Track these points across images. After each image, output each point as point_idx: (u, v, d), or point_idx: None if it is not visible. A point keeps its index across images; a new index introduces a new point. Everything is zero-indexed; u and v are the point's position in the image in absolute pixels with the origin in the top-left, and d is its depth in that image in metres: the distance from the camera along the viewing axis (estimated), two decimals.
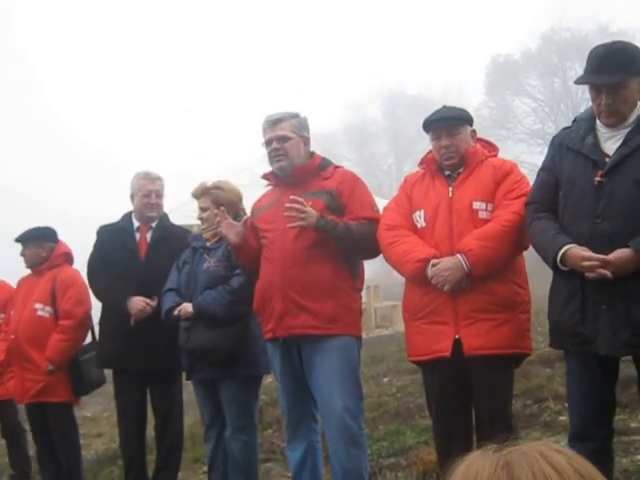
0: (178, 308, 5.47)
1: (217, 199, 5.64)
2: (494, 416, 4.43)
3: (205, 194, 5.66)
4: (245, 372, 5.48)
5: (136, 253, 6.21)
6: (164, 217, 6.43)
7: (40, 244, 6.70)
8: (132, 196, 6.31)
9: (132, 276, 6.06)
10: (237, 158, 42.68)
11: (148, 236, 6.28)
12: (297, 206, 4.67)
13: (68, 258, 6.83)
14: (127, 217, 6.40)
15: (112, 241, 6.27)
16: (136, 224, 6.32)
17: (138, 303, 5.95)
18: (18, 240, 6.77)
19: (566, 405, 6.76)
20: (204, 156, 57.99)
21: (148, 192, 6.22)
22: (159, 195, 6.29)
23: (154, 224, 6.32)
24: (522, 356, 4.61)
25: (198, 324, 5.41)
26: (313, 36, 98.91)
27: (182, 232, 6.41)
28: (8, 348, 6.66)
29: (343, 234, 4.74)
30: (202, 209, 5.65)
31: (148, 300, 5.97)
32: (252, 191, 5.64)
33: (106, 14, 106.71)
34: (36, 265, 6.71)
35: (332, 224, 4.73)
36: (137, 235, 6.29)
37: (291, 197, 4.71)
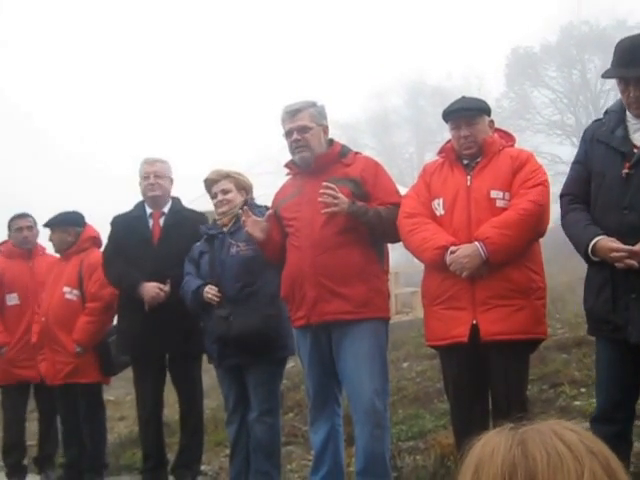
0: (206, 293, 5.43)
1: (239, 183, 5.72)
2: (510, 400, 4.52)
3: (227, 177, 5.69)
4: (276, 355, 5.54)
5: (149, 239, 6.27)
6: (176, 202, 6.49)
7: (65, 229, 6.80)
8: (139, 184, 6.42)
9: (146, 262, 6.13)
10: (258, 148, 42.71)
11: (161, 221, 6.34)
12: (330, 192, 4.74)
13: (96, 242, 6.92)
14: (139, 205, 6.46)
15: (126, 230, 6.35)
16: (149, 211, 6.38)
17: (151, 290, 6.02)
18: (46, 225, 6.89)
19: (582, 390, 6.89)
20: (227, 148, 57.79)
21: (147, 174, 6.30)
22: (158, 175, 6.33)
23: (166, 209, 6.39)
24: (538, 341, 4.71)
25: (237, 311, 5.39)
26: (336, 26, 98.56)
27: (196, 216, 6.44)
28: (40, 331, 6.74)
29: (374, 219, 4.83)
30: (224, 191, 5.63)
31: (161, 285, 6.02)
32: (278, 179, 5.70)
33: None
34: (63, 250, 6.83)
35: (363, 210, 4.81)
36: (150, 221, 6.35)
37: (324, 184, 4.78)
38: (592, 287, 4.20)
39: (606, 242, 3.95)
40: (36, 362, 6.94)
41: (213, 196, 5.76)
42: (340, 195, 4.76)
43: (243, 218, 5.16)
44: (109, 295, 6.57)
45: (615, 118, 4.20)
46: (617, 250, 3.89)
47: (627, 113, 4.16)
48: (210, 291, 5.45)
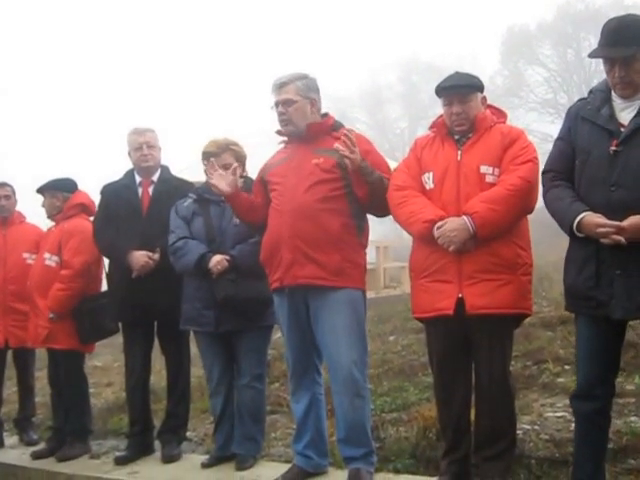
0: (215, 261, 5.52)
1: (238, 156, 5.74)
2: (492, 375, 4.57)
3: (227, 151, 5.71)
4: (268, 320, 5.63)
5: (138, 208, 6.31)
6: (165, 170, 6.53)
7: (54, 194, 6.87)
8: (129, 154, 6.45)
9: (135, 230, 6.18)
10: (252, 120, 42.63)
11: (150, 190, 6.38)
12: (349, 142, 4.76)
13: (84, 209, 6.92)
14: (129, 174, 6.51)
15: (115, 198, 6.40)
16: (138, 179, 6.42)
17: (140, 259, 6.06)
18: (38, 191, 6.94)
19: (565, 367, 6.96)
20: (221, 120, 57.54)
21: (139, 145, 6.34)
22: (150, 146, 6.38)
23: (155, 178, 6.43)
24: (522, 317, 4.74)
25: (243, 276, 5.50)
26: (332, 1, 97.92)
27: (184, 184, 6.48)
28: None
29: (377, 182, 4.86)
30: (225, 166, 5.52)
31: (150, 254, 6.07)
32: (271, 150, 5.70)
33: None
34: (53, 215, 6.89)
35: (370, 170, 4.86)
36: (140, 190, 6.39)
37: (344, 131, 4.84)
38: (574, 263, 4.22)
39: (592, 218, 3.97)
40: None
41: None
42: (357, 148, 4.79)
43: (210, 171, 5.26)
44: (79, 264, 6.61)
45: (600, 97, 4.22)
46: (604, 226, 3.91)
47: (612, 93, 4.18)
48: (219, 265, 5.53)
